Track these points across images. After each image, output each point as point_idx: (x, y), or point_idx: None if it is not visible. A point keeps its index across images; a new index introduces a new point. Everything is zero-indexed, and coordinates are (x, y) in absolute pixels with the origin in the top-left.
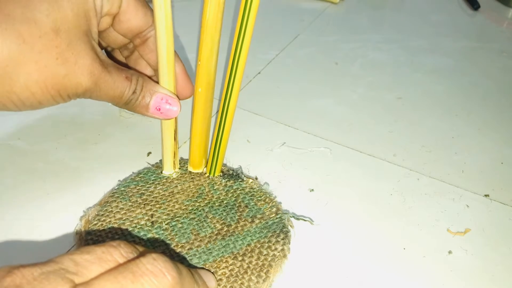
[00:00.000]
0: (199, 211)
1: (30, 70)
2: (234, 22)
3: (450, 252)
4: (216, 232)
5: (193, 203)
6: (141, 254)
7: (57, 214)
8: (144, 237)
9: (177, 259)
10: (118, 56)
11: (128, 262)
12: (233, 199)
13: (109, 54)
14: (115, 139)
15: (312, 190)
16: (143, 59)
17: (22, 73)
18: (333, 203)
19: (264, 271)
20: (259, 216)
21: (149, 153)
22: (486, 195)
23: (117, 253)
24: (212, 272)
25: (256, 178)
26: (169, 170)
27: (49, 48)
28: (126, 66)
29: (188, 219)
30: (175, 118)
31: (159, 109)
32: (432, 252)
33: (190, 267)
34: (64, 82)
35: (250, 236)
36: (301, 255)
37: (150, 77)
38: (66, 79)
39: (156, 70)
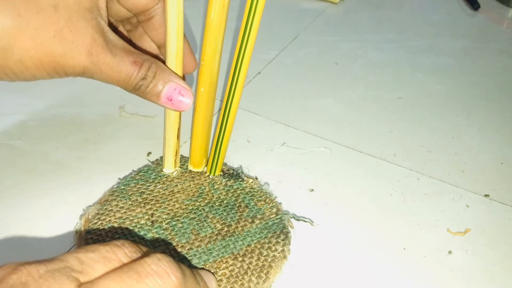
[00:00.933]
0: (199, 210)
1: (26, 46)
2: (236, 23)
3: (450, 252)
4: (216, 232)
5: (193, 203)
6: (145, 254)
7: (57, 214)
8: (144, 237)
9: (177, 259)
10: (122, 31)
11: (133, 262)
12: (233, 199)
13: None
14: (115, 139)
15: (312, 190)
16: (147, 35)
17: (17, 48)
18: (333, 203)
19: (264, 272)
20: (259, 216)
21: (149, 153)
22: (486, 195)
23: (122, 252)
24: (213, 273)
25: (256, 178)
26: (170, 168)
27: (47, 25)
28: (139, 48)
29: (188, 218)
30: (179, 116)
31: (171, 99)
32: (432, 252)
33: (191, 267)
34: (60, 60)
35: (250, 236)
36: (301, 256)
37: (159, 57)
38: (63, 58)
39: (159, 47)
